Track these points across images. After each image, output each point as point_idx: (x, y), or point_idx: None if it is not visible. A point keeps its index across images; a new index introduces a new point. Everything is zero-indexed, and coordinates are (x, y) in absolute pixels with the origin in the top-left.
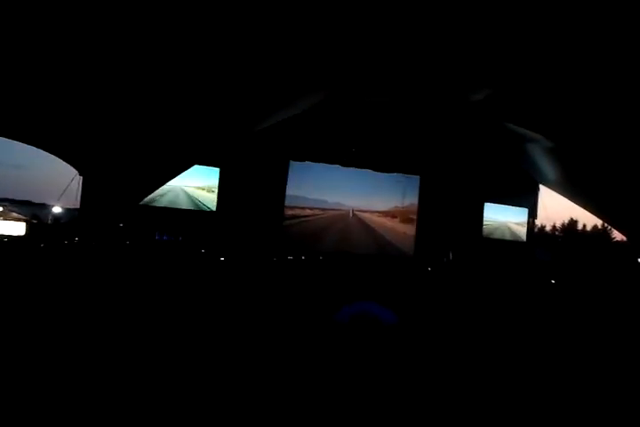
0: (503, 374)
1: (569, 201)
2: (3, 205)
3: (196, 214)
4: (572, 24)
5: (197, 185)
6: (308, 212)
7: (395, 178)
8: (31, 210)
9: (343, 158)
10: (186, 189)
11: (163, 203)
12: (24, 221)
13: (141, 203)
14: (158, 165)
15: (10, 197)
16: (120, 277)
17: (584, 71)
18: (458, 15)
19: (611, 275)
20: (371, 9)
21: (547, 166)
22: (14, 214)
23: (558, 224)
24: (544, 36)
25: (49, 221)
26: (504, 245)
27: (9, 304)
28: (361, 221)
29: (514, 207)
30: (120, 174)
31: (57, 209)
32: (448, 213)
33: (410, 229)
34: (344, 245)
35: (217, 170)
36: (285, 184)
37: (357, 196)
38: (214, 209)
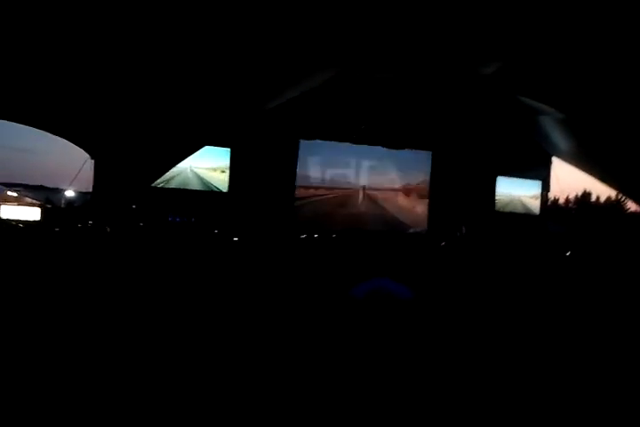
0: (519, 350)
1: (582, 173)
2: (17, 191)
3: (208, 195)
4: None
5: (208, 166)
6: (319, 191)
7: (406, 154)
8: (45, 194)
9: (353, 136)
10: (196, 170)
11: (173, 184)
12: (38, 205)
13: (153, 185)
14: (169, 146)
15: (24, 182)
16: (135, 259)
17: (595, 41)
18: None
19: (626, 245)
20: None
21: (559, 138)
22: (28, 199)
23: (572, 196)
24: (553, 7)
25: (62, 206)
26: (517, 219)
27: (25, 289)
28: (372, 199)
29: (526, 180)
30: (131, 157)
31: (70, 193)
32: (460, 188)
33: (422, 205)
34: (356, 222)
35: (228, 150)
36: (296, 163)
37: (368, 173)
38: (225, 190)
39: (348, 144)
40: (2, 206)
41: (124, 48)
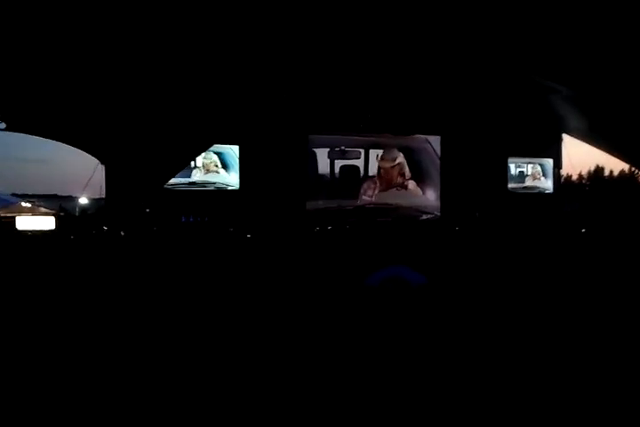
0: (535, 336)
1: (594, 148)
2: (30, 201)
3: (220, 194)
4: None
5: None
6: (330, 184)
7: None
8: (58, 203)
9: (360, 125)
10: None
11: None
12: (53, 215)
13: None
14: (178, 146)
15: (37, 192)
16: (151, 261)
17: (603, 16)
18: None
19: None
20: None
21: (569, 115)
22: (42, 209)
23: (584, 173)
24: None
25: (77, 213)
26: (531, 199)
27: (45, 295)
28: (384, 187)
29: (537, 159)
30: (141, 159)
31: (83, 200)
32: (471, 171)
33: (434, 190)
34: (369, 212)
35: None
36: (306, 157)
37: (377, 162)
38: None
39: (356, 135)
40: (17, 218)
41: (129, 50)
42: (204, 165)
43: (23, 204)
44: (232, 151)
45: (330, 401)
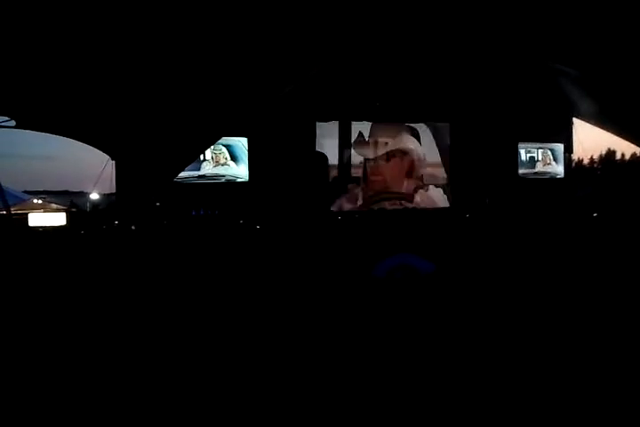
0: (548, 323)
1: (604, 132)
2: (42, 198)
3: (229, 186)
4: None
5: None
6: (337, 172)
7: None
8: (70, 199)
9: (369, 113)
10: None
11: None
12: (64, 211)
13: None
14: (187, 140)
15: (48, 188)
16: (162, 255)
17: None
18: None
19: None
20: None
21: (580, 98)
22: (54, 205)
23: (596, 157)
24: None
25: (88, 209)
26: (542, 184)
27: (57, 292)
28: (392, 176)
29: (548, 144)
30: (151, 154)
31: (94, 196)
32: (481, 158)
33: (442, 178)
34: (379, 201)
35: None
36: (314, 146)
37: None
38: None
39: (364, 122)
40: (29, 214)
41: (137, 45)
42: (213, 158)
43: (35, 200)
44: (241, 143)
45: (339, 393)
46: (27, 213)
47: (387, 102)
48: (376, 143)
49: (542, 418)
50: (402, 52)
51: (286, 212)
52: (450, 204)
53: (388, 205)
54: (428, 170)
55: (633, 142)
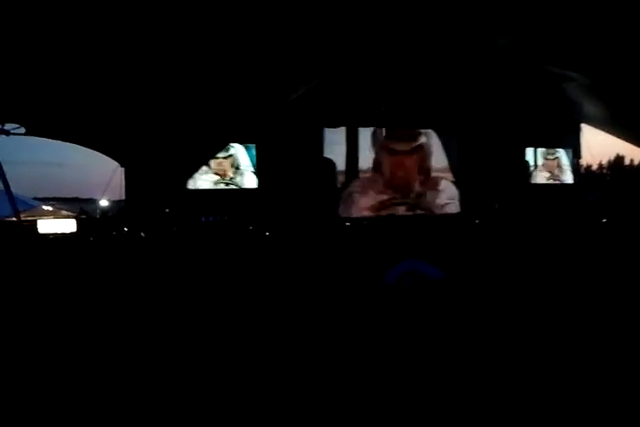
0: (558, 328)
1: (613, 138)
2: (51, 204)
3: (239, 193)
4: None
5: None
6: (343, 178)
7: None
8: (79, 206)
9: (376, 119)
10: None
11: None
12: (74, 217)
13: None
14: (195, 146)
15: (57, 195)
16: (171, 261)
17: (619, 4)
18: None
19: None
20: None
21: (587, 104)
22: (64, 212)
23: (604, 162)
24: None
25: (97, 216)
26: (552, 190)
27: (66, 299)
28: (400, 183)
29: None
30: (160, 160)
31: (104, 203)
32: (490, 163)
33: (452, 184)
34: (386, 207)
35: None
36: (322, 153)
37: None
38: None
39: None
40: (39, 221)
41: (145, 52)
42: (220, 165)
43: (44, 207)
44: (249, 150)
45: (346, 397)
46: (36, 220)
47: (394, 108)
48: (387, 147)
49: (548, 421)
50: (409, 57)
51: (295, 218)
52: (460, 209)
53: (399, 211)
54: (438, 174)
55: None
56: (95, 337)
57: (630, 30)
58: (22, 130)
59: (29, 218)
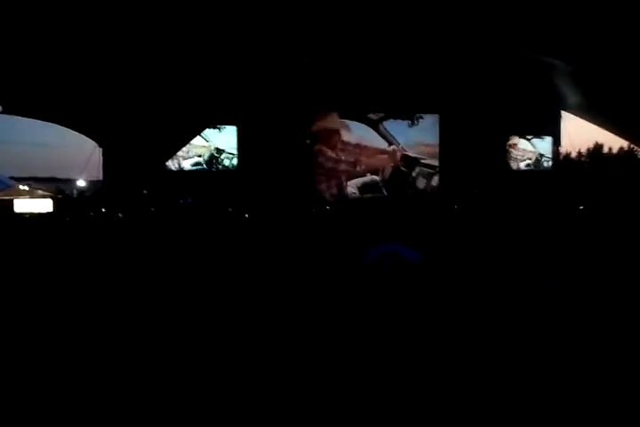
0: (536, 312)
1: (593, 126)
2: (28, 184)
3: (218, 175)
4: None
5: None
6: (329, 165)
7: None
8: (56, 186)
9: (361, 105)
10: None
11: None
12: (50, 197)
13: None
14: (175, 127)
15: (35, 175)
16: (149, 242)
17: None
18: None
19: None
20: None
21: (568, 92)
22: (40, 192)
23: (583, 150)
24: None
25: (74, 195)
26: (530, 176)
27: (42, 280)
28: (379, 167)
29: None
30: (139, 141)
31: (81, 183)
32: (471, 149)
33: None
34: (367, 189)
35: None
36: (305, 139)
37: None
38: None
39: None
40: (15, 200)
41: (125, 33)
42: (202, 147)
43: (21, 187)
44: (230, 132)
45: (327, 381)
46: (12, 200)
47: (379, 94)
48: None
49: (538, 414)
50: (394, 44)
51: (275, 200)
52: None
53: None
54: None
55: (620, 136)
56: (71, 318)
57: (610, 19)
58: None
59: (6, 198)
